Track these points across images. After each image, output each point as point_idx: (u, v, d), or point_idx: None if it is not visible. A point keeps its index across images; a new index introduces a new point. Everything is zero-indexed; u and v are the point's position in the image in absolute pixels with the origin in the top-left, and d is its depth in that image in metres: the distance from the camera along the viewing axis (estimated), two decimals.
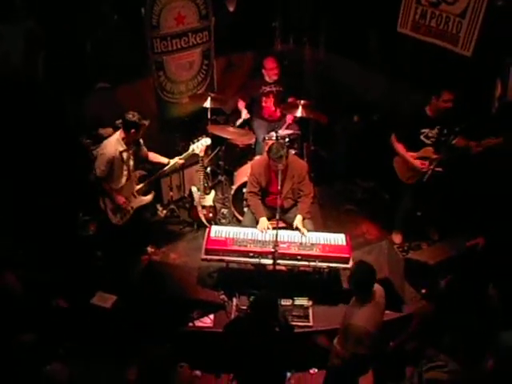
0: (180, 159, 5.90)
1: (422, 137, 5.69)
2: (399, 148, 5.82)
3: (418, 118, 5.68)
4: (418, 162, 5.70)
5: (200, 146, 6.00)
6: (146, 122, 5.47)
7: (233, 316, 5.37)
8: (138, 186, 5.79)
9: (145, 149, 5.82)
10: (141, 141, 5.71)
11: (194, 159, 6.61)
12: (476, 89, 5.60)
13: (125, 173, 5.57)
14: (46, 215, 5.66)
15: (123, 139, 5.43)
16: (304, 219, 5.65)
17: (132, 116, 5.33)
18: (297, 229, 5.55)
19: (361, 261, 4.55)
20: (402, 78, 6.74)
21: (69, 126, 5.91)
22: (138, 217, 5.90)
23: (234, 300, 5.54)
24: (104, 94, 6.47)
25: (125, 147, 5.44)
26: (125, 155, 5.47)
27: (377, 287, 4.40)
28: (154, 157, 5.93)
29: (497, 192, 5.33)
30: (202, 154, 6.22)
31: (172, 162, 5.87)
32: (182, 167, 6.77)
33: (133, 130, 5.36)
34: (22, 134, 5.54)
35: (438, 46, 6.14)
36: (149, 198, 5.95)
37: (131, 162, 5.61)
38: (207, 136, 6.11)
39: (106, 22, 6.21)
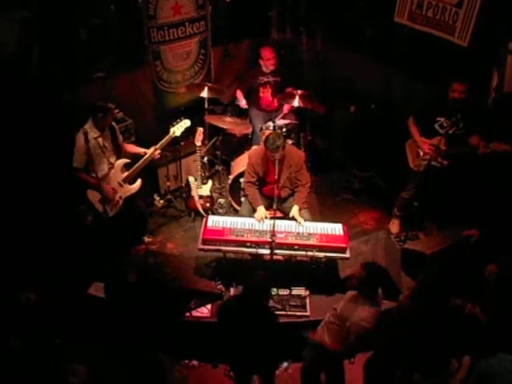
0: (156, 149, 5.75)
1: (436, 125, 5.66)
2: (414, 131, 5.82)
3: (438, 105, 5.66)
4: (426, 147, 5.68)
5: (180, 127, 5.90)
6: (112, 105, 5.51)
7: None
8: (124, 175, 5.72)
9: (121, 139, 5.84)
10: (117, 130, 5.73)
11: (191, 149, 6.60)
12: (472, 79, 5.58)
13: (105, 160, 5.53)
14: (42, 209, 5.68)
15: (94, 125, 5.42)
16: (301, 209, 5.65)
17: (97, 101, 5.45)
18: (293, 218, 5.56)
19: (372, 262, 4.52)
20: (398, 68, 6.74)
21: (63, 117, 5.88)
22: (130, 207, 5.86)
23: (232, 290, 5.56)
24: (101, 84, 6.44)
25: (98, 133, 5.41)
26: (100, 141, 5.44)
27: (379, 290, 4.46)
28: (131, 148, 5.94)
29: (497, 191, 5.34)
30: (199, 144, 6.21)
31: (148, 152, 5.74)
32: (179, 157, 6.80)
33: (100, 114, 5.37)
34: (15, 126, 5.53)
35: (434, 36, 6.13)
36: (136, 186, 5.85)
37: (110, 149, 5.57)
38: (186, 118, 5.99)
39: (103, 12, 6.17)
